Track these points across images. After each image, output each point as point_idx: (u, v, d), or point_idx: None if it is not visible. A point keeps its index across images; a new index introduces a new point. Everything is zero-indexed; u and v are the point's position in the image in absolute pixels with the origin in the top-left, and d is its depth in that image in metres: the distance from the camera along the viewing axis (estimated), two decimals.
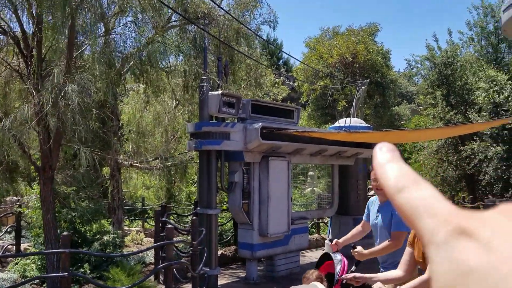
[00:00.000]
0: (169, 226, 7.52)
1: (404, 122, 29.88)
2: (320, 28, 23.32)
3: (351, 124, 11.88)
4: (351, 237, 4.55)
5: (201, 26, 9.68)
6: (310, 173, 20.53)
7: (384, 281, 3.34)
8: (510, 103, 16.10)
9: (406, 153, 31.38)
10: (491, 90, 16.63)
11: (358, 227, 4.60)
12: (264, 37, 17.34)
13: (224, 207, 13.81)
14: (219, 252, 10.44)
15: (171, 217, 12.59)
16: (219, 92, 8.15)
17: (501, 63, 19.61)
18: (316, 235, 13.74)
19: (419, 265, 3.29)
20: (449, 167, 18.79)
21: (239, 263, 10.76)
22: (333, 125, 12.93)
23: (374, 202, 4.41)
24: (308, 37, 23.32)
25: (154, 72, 9.73)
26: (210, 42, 10.90)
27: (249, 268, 9.19)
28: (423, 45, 26.31)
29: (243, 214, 8.83)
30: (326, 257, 4.12)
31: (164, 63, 9.88)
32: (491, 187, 16.55)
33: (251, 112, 8.86)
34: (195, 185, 15.82)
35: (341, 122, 12.35)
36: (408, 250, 3.32)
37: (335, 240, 4.41)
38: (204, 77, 8.51)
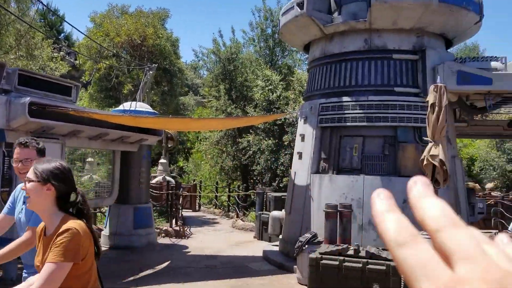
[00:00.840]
0: None
1: (188, 112, 30.67)
2: (108, 4, 21.84)
3: (136, 109, 11.35)
4: None
5: None
6: (89, 159, 19.05)
7: None
8: (280, 102, 18.01)
9: (189, 143, 32.37)
10: (267, 88, 18.32)
11: None
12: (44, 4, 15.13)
13: None
14: None
15: None
16: None
17: (275, 65, 21.84)
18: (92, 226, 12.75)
19: None
20: (227, 158, 19.98)
21: None
22: (117, 108, 12.16)
23: (21, 191, 3.39)
24: (94, 12, 21.58)
25: None
26: None
27: (8, 268, 7.81)
28: (211, 38, 27.41)
29: (2, 205, 7.42)
30: None
31: None
32: (262, 176, 18.26)
33: (17, 83, 7.48)
34: None
35: (126, 105, 11.71)
36: None
37: None
38: None
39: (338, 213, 8.40)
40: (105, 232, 11.46)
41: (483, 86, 9.14)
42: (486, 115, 12.45)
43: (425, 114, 9.37)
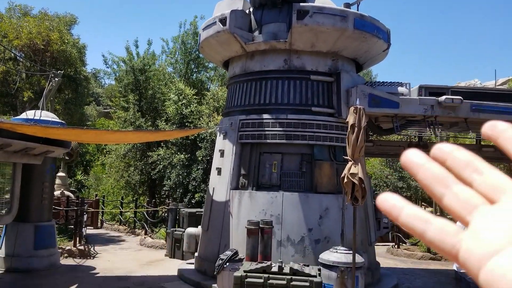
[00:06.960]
0: None
1: (90, 123, 28.97)
2: (9, 2, 19.80)
3: (41, 118, 10.45)
4: None
5: None
6: None
7: None
8: (194, 116, 17.78)
9: (89, 155, 30.51)
10: (180, 102, 17.99)
11: None
12: None
13: None
14: None
15: None
16: None
17: (190, 79, 21.57)
18: None
19: None
20: (134, 172, 19.18)
21: None
22: (19, 117, 11.09)
23: None
24: None
25: None
26: None
27: None
28: (123, 47, 26.15)
29: None
30: None
31: None
32: (173, 192, 17.77)
33: None
34: None
35: (30, 114, 10.72)
36: None
37: None
38: None
39: (259, 229, 8.43)
40: (0, 253, 10.29)
41: (392, 110, 9.88)
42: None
43: (339, 134, 9.88)
